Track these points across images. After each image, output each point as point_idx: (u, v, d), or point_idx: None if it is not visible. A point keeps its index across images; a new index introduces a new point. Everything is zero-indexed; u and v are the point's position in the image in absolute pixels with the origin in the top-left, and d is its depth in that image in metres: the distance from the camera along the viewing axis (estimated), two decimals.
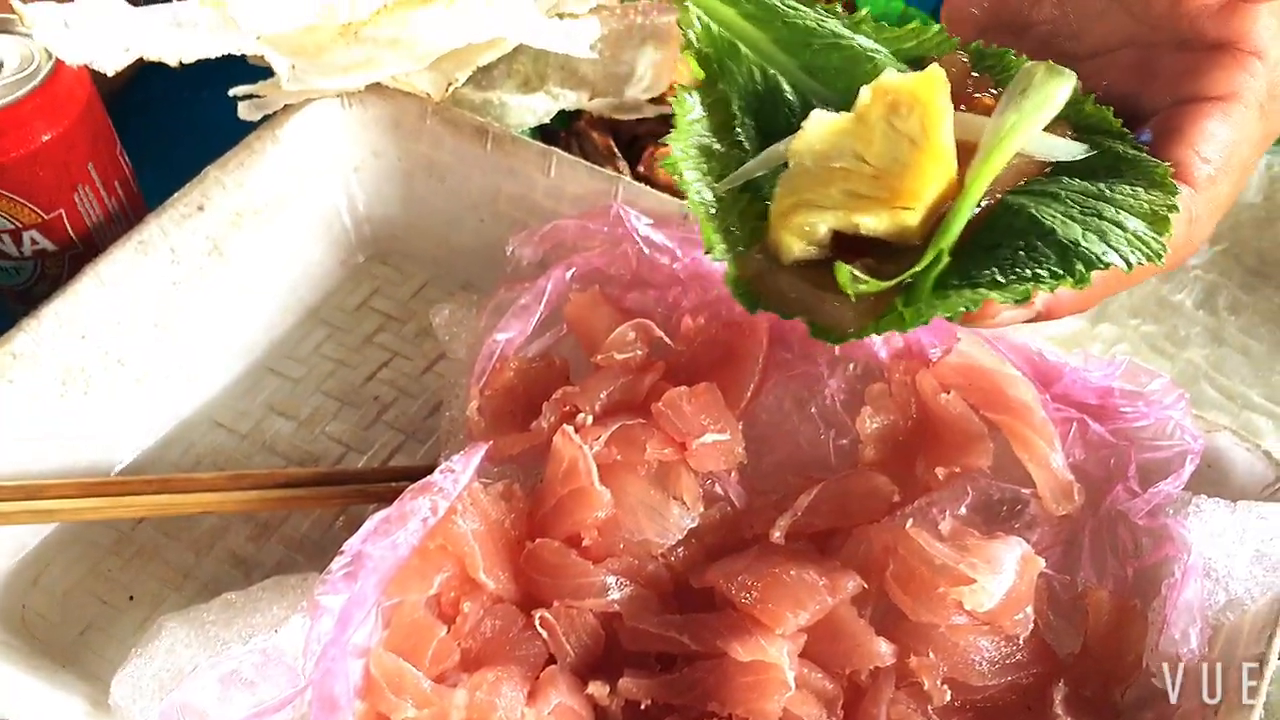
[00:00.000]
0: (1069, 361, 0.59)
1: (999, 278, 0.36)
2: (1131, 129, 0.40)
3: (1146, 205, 0.36)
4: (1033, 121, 0.38)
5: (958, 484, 0.57)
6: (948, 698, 0.53)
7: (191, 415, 0.70)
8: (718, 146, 0.41)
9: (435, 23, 0.69)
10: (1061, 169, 0.38)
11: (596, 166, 0.70)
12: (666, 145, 0.75)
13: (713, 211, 0.40)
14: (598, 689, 0.53)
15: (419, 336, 0.73)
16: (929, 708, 0.53)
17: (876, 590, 0.55)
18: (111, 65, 0.62)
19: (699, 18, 0.42)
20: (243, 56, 0.68)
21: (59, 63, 0.64)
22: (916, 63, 0.42)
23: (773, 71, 0.42)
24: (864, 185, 0.37)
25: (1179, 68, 0.40)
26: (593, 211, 0.67)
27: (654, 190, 0.68)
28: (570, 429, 0.57)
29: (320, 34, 0.68)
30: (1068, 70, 0.39)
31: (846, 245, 0.37)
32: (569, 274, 0.64)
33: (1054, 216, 0.36)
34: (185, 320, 0.68)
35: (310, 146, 0.72)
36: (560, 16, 0.75)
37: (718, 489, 0.59)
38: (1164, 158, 0.38)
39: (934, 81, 0.37)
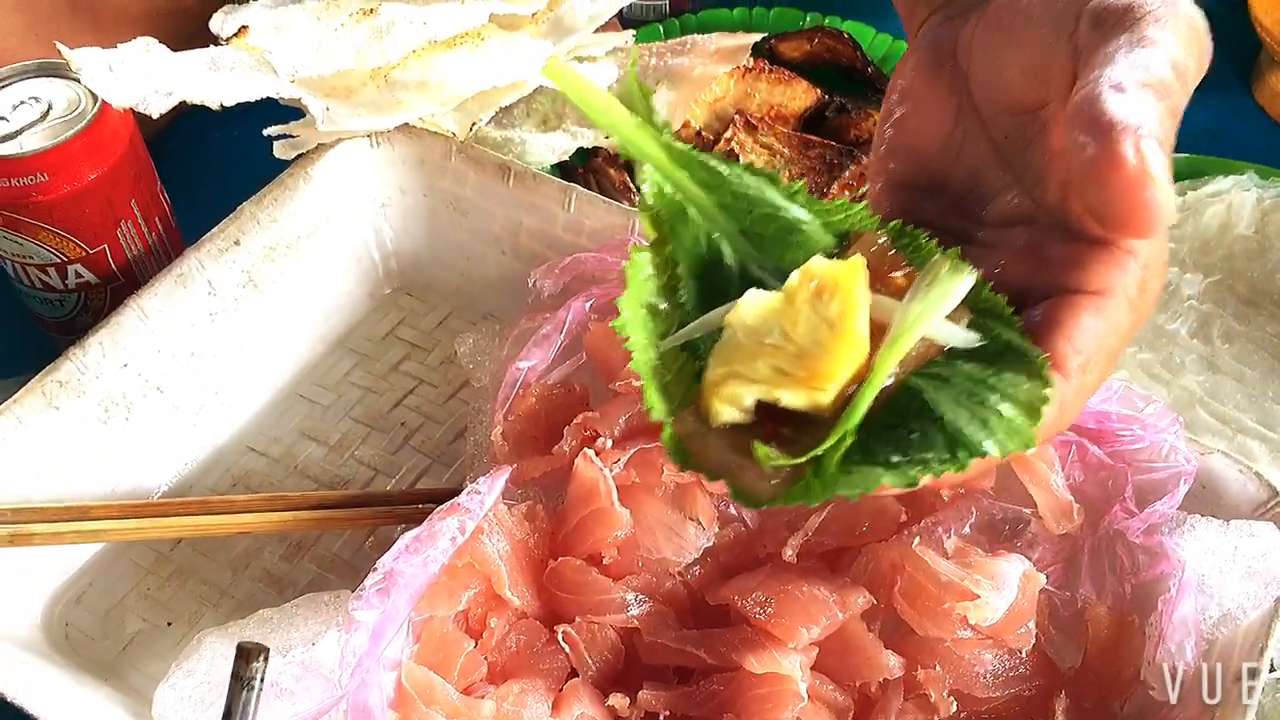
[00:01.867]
0: None
1: (893, 458, 0.39)
2: (1021, 307, 0.43)
3: (1024, 395, 0.40)
4: (935, 312, 0.41)
5: (962, 504, 0.59)
6: (954, 709, 0.55)
7: (227, 440, 0.73)
8: (663, 306, 0.44)
9: (460, 67, 0.72)
10: (957, 353, 0.42)
11: (613, 201, 0.72)
12: None
13: (653, 370, 0.42)
14: (618, 700, 0.55)
15: (443, 365, 0.76)
16: (936, 718, 0.55)
17: (885, 606, 0.57)
18: (155, 108, 0.66)
19: (653, 178, 0.43)
20: (277, 98, 0.71)
21: (104, 105, 0.67)
22: (843, 236, 0.46)
23: (716, 235, 0.44)
24: (787, 363, 0.40)
25: (1064, 258, 0.43)
26: (610, 244, 0.69)
27: None
28: (591, 452, 0.59)
29: (352, 78, 0.72)
30: (969, 267, 0.42)
31: (769, 411, 0.40)
32: (588, 304, 0.67)
33: (944, 402, 0.40)
34: (221, 349, 0.71)
35: (340, 184, 0.74)
36: (579, 60, 0.78)
37: (732, 510, 0.61)
38: (1044, 346, 0.42)
39: (854, 272, 0.40)
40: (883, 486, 0.38)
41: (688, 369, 0.43)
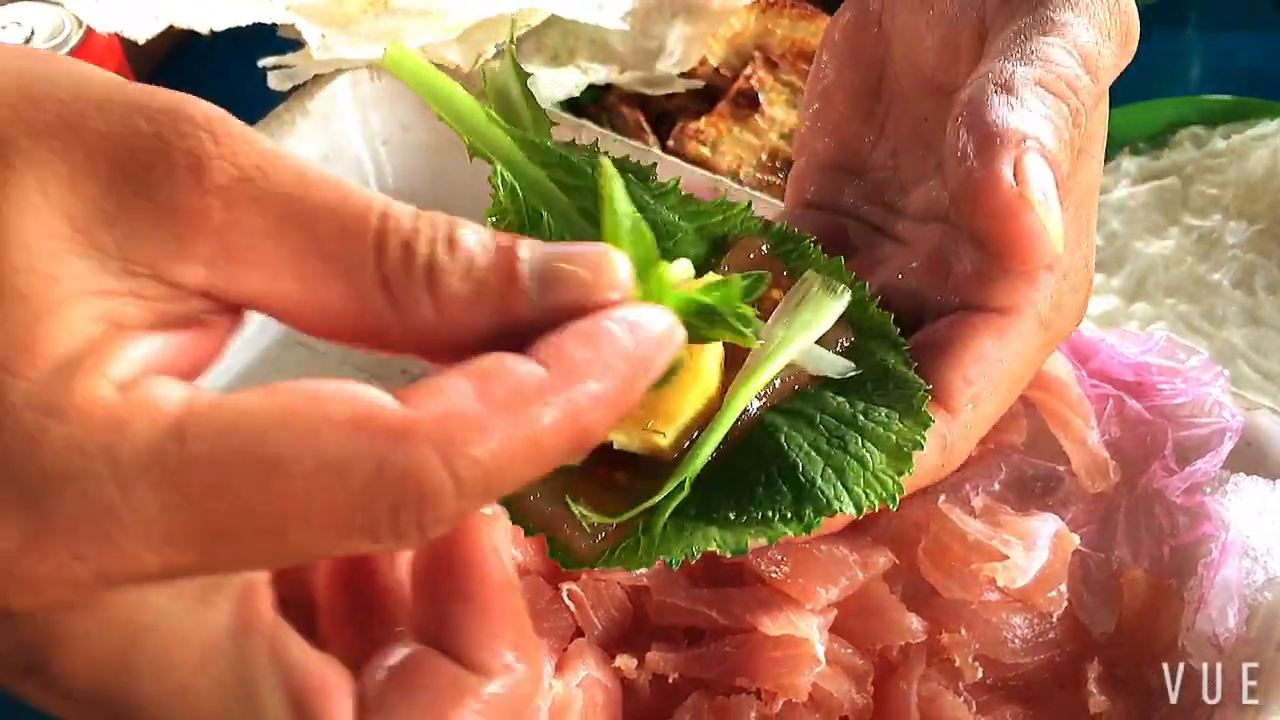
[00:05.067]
0: (1105, 337, 0.58)
1: (731, 515, 0.35)
2: (920, 321, 0.39)
3: (894, 438, 0.36)
4: (801, 338, 0.37)
5: (991, 460, 0.57)
6: (979, 675, 0.53)
7: (219, 389, 0.70)
8: None
9: None
10: (831, 382, 0.38)
11: (628, 140, 0.70)
12: (697, 120, 0.75)
13: None
14: (625, 662, 0.53)
15: None
16: (960, 685, 0.53)
17: (908, 566, 0.55)
18: (142, 33, 0.63)
19: (505, 179, 0.39)
20: (272, 28, 0.68)
21: (89, 31, 0.64)
22: (719, 241, 0.41)
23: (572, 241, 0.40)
24: None
25: (970, 268, 0.39)
26: None
27: (684, 164, 0.67)
28: None
29: (350, 4, 0.69)
30: (844, 286, 0.38)
31: (606, 454, 0.35)
32: None
33: (800, 447, 0.36)
34: None
35: (339, 119, 0.72)
36: None
37: None
38: (933, 374, 0.38)
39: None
40: (710, 551, 0.34)
41: None
